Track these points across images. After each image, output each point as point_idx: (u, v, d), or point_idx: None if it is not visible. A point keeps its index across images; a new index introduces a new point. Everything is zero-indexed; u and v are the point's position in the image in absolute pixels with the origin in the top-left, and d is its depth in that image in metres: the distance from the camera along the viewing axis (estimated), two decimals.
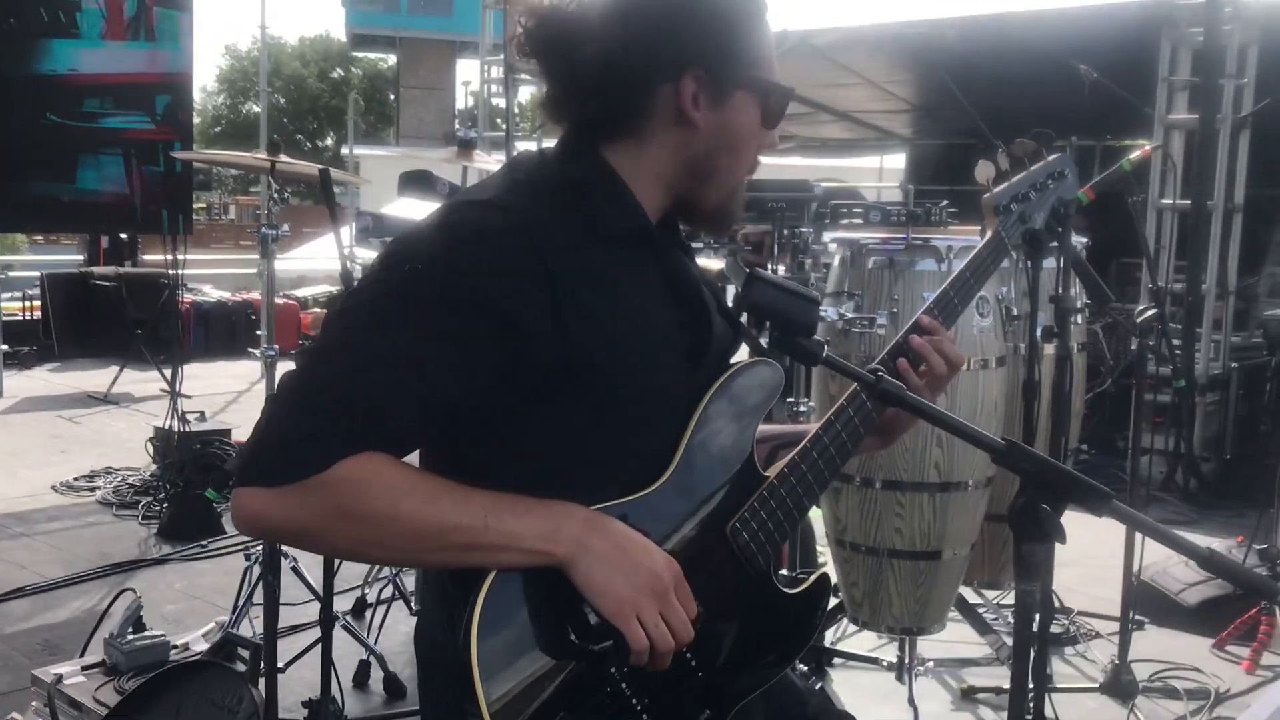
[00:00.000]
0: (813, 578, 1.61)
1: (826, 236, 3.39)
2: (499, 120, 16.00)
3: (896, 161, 14.55)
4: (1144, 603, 4.06)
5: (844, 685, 3.65)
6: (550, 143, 1.54)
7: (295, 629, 3.98)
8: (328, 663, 3.14)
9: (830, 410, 1.59)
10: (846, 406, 1.58)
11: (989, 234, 1.85)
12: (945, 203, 3.31)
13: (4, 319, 9.82)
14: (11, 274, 11.62)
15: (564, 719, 1.33)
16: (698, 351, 1.50)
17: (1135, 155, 3.43)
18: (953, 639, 3.82)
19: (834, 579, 3.61)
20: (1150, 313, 3.70)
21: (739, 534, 1.48)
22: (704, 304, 1.54)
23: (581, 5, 1.46)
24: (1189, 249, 6.95)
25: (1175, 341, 6.29)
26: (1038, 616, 3.62)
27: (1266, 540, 4.69)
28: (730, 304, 1.60)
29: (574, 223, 1.40)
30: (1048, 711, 3.13)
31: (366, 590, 4.26)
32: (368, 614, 4.16)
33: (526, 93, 11.08)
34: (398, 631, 4.06)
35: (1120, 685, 3.76)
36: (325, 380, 1.31)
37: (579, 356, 1.35)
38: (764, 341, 1.53)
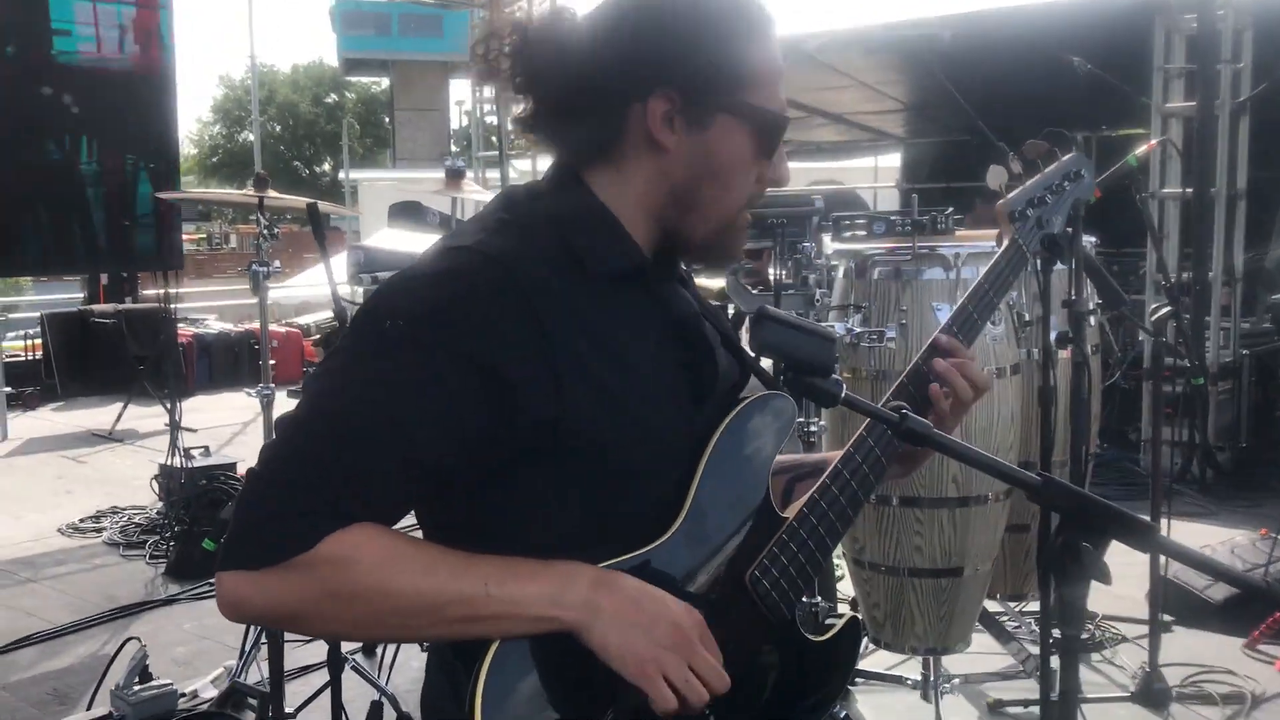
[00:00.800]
0: (842, 623, 1.52)
1: (829, 249, 3.31)
2: (494, 139, 15.99)
3: (891, 161, 14.50)
4: (1169, 601, 3.97)
5: (868, 706, 3.58)
6: (543, 168, 1.45)
7: (305, 670, 3.91)
8: (338, 706, 3.07)
9: (850, 441, 1.50)
10: (866, 436, 1.49)
11: (1005, 242, 1.77)
12: (951, 210, 3.24)
13: (6, 359, 9.79)
14: (13, 315, 11.60)
15: None
16: (702, 391, 1.42)
17: (1141, 150, 3.35)
18: (977, 650, 3.73)
19: (852, 597, 3.54)
20: (1164, 310, 3.62)
21: (759, 582, 1.40)
22: (706, 340, 1.45)
23: (551, 19, 1.38)
24: (1194, 237, 6.88)
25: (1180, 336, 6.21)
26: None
27: None
28: (734, 333, 1.51)
29: (565, 265, 1.31)
30: None
31: None
32: (378, 652, 4.09)
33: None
34: (410, 668, 3.98)
35: (1152, 693, 3.67)
36: (305, 451, 1.22)
37: (573, 411, 1.26)
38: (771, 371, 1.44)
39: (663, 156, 1.36)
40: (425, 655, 4.36)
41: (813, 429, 3.13)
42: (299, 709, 3.38)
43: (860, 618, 1.57)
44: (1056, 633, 3.36)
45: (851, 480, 1.47)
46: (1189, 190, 6.83)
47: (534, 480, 1.30)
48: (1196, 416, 6.73)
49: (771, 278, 3.11)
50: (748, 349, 1.49)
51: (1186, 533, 5.12)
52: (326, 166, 43.57)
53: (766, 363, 1.55)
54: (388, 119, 37.79)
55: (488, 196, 5.15)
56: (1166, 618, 3.95)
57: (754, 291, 3.44)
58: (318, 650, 3.67)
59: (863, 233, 3.27)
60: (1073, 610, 1.24)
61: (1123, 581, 4.29)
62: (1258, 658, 4.12)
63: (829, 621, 1.56)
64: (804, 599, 1.50)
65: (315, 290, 13.82)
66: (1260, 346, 7.51)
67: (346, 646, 3.49)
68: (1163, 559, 3.80)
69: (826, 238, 3.42)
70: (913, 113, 10.99)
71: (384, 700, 3.63)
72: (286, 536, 1.18)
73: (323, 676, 3.43)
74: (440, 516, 1.35)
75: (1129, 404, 7.00)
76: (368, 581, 1.20)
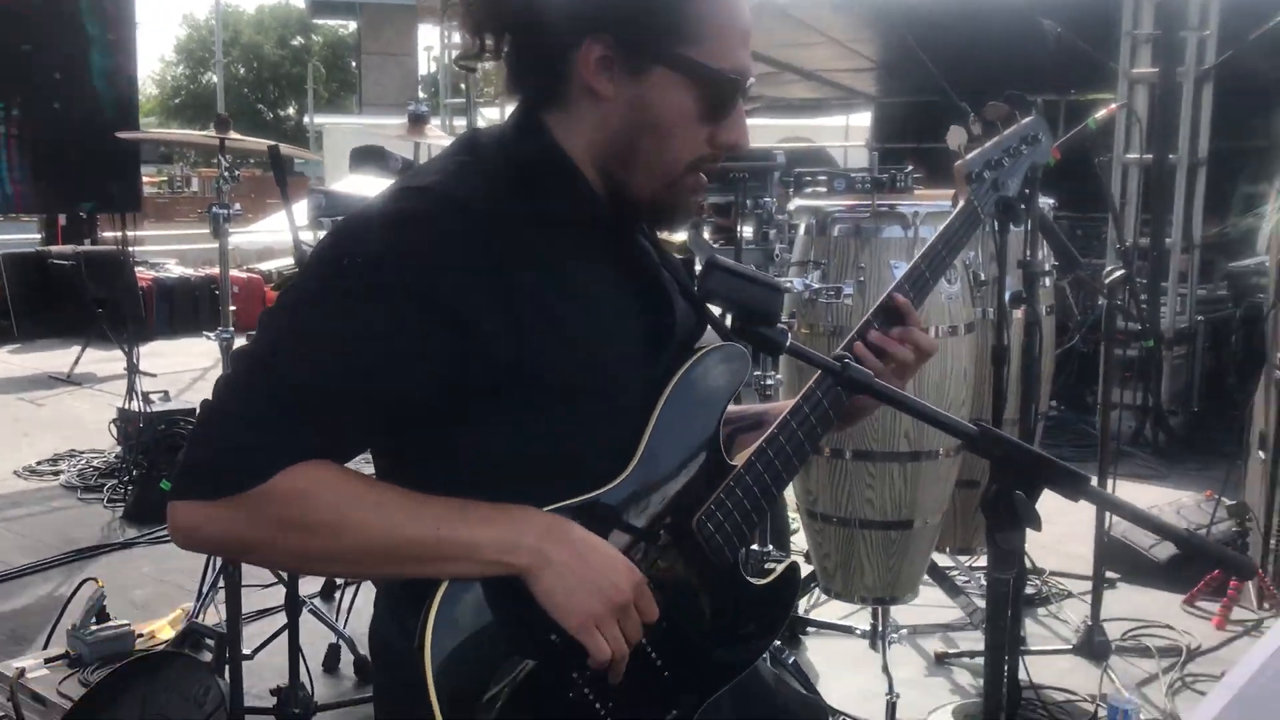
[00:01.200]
0: (782, 567, 1.56)
1: (791, 205, 3.33)
2: (463, 85, 15.83)
3: (862, 120, 14.47)
4: (1115, 559, 4.06)
5: (818, 654, 3.65)
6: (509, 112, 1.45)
7: (263, 614, 3.93)
8: (295, 648, 3.09)
9: (798, 394, 1.53)
10: (815, 389, 1.52)
11: (961, 203, 1.80)
12: (910, 168, 3.27)
13: None
14: None
15: None
16: (660, 339, 1.45)
17: (1101, 114, 3.39)
18: (925, 604, 3.81)
19: (806, 550, 3.60)
20: (1118, 274, 3.68)
21: (705, 526, 1.43)
22: (664, 289, 1.48)
23: None
24: (1153, 203, 6.95)
25: (1142, 299, 6.30)
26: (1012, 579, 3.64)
27: (1235, 495, 4.71)
28: (691, 285, 1.53)
29: (525, 209, 1.32)
30: (1021, 674, 3.14)
31: None
32: (336, 596, 4.12)
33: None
34: (368, 613, 4.00)
35: (1093, 645, 3.78)
36: (263, 385, 1.23)
37: (533, 353, 1.28)
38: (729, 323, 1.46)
39: (602, 104, 1.35)
40: None
41: (769, 382, 3.17)
42: (256, 651, 3.41)
43: (799, 563, 1.60)
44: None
45: (798, 431, 1.50)
46: (1150, 156, 6.89)
47: (491, 421, 1.32)
48: (1150, 380, 6.84)
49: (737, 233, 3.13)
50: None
51: (1136, 494, 5.24)
52: (291, 111, 42.95)
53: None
54: (354, 63, 37.23)
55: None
56: (1112, 575, 4.04)
57: (716, 246, 3.46)
58: (276, 594, 3.69)
59: (824, 189, 3.30)
60: (1006, 555, 1.28)
61: (1073, 540, 4.40)
62: (1196, 614, 4.24)
63: (770, 566, 1.61)
64: (747, 544, 1.54)
65: (278, 236, 13.65)
66: (1215, 313, 7.63)
67: (305, 590, 3.52)
68: (1110, 518, 3.90)
69: (790, 204, 3.44)
70: (884, 71, 10.97)
71: (341, 643, 3.67)
72: (242, 469, 1.19)
73: (281, 619, 3.46)
74: (395, 455, 1.37)
75: (1087, 367, 7.10)
76: (321, 518, 1.22)
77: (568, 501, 1.33)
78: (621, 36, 1.32)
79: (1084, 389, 7.24)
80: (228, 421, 1.23)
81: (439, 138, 4.41)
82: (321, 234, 3.36)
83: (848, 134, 15.81)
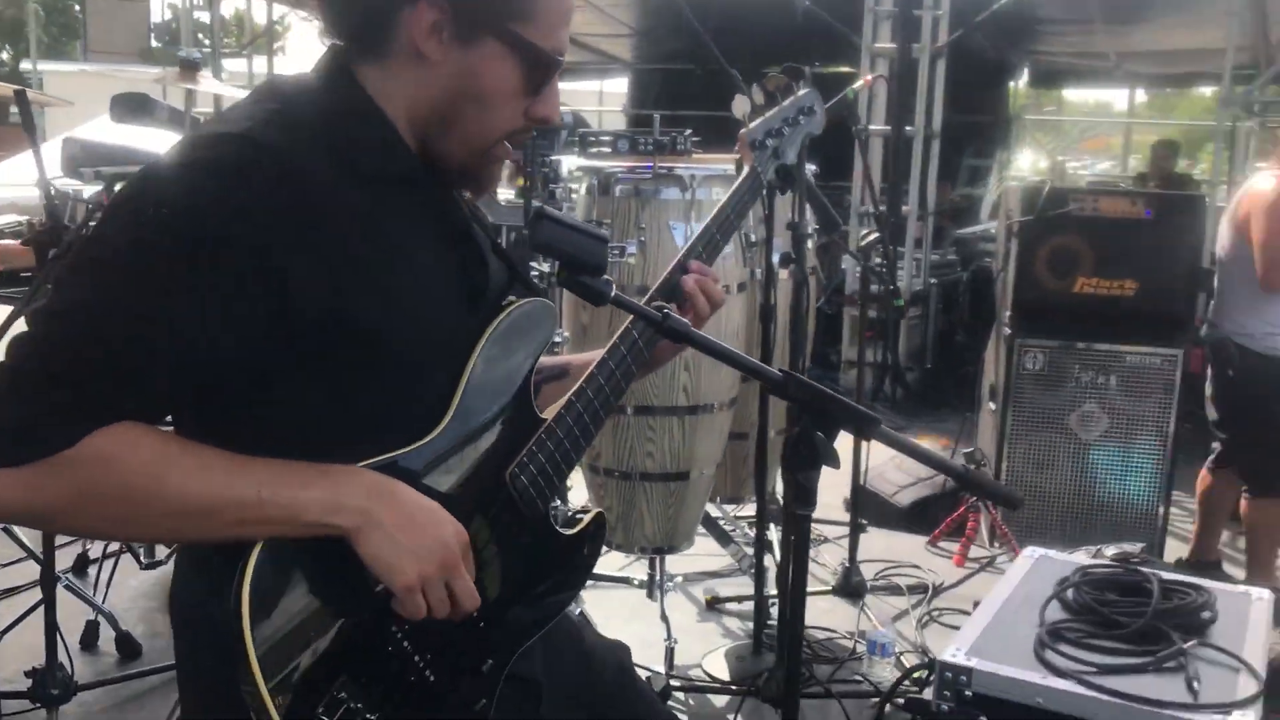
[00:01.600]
0: (589, 517, 1.62)
1: (573, 164, 3.37)
2: (201, 36, 14.96)
3: (618, 87, 14.65)
4: (862, 506, 4.36)
5: (597, 606, 3.74)
6: (260, 72, 1.42)
7: (12, 592, 3.68)
8: (52, 627, 2.91)
9: (604, 348, 1.58)
10: (619, 344, 1.57)
11: (746, 169, 1.89)
12: (689, 131, 3.37)
13: None
14: None
15: (345, 681, 1.28)
16: (475, 293, 1.46)
17: (859, 85, 3.59)
18: (697, 553, 3.98)
19: (585, 504, 3.68)
20: (872, 237, 3.92)
21: (518, 478, 1.46)
22: (478, 245, 1.49)
23: None
24: (891, 173, 7.40)
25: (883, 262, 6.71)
26: (773, 526, 3.84)
27: (970, 443, 5.13)
28: (499, 240, 1.55)
29: (339, 161, 1.29)
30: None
31: (88, 545, 3.98)
32: (91, 570, 3.90)
33: (231, 7, 10.39)
34: (127, 587, 3.82)
35: (850, 585, 4.06)
36: (65, 343, 1.16)
37: (349, 305, 1.26)
38: (540, 277, 1.49)
39: (427, 67, 1.35)
40: (142, 573, 4.18)
41: (557, 340, 3.21)
42: (6, 631, 3.19)
43: (605, 514, 1.66)
44: (770, 534, 3.64)
45: (605, 384, 1.55)
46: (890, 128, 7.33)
47: (306, 376, 1.29)
48: (889, 339, 7.32)
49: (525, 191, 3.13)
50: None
51: (880, 445, 5.59)
52: (5, 56, 39.40)
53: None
54: (77, 6, 34.53)
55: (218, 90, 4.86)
56: (862, 521, 4.34)
57: (503, 203, 3.46)
58: (29, 570, 3.47)
59: (608, 149, 3.36)
60: (805, 492, 1.38)
61: (825, 491, 4.69)
62: (939, 553, 4.62)
63: (577, 516, 1.66)
64: (558, 495, 1.58)
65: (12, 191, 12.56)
66: (946, 277, 8.25)
67: (58, 564, 3.31)
68: (865, 468, 4.18)
69: (573, 163, 3.48)
70: (641, 38, 11.15)
71: (100, 619, 3.48)
72: (47, 433, 1.13)
73: (32, 597, 3.25)
74: (207, 414, 1.31)
75: (831, 328, 7.51)
76: (135, 482, 1.17)
77: (383, 457, 1.32)
78: (458, 4, 1.32)
79: (829, 349, 7.67)
80: (27, 384, 1.15)
81: (209, 85, 4.18)
82: (79, 184, 3.15)
83: (602, 99, 15.97)
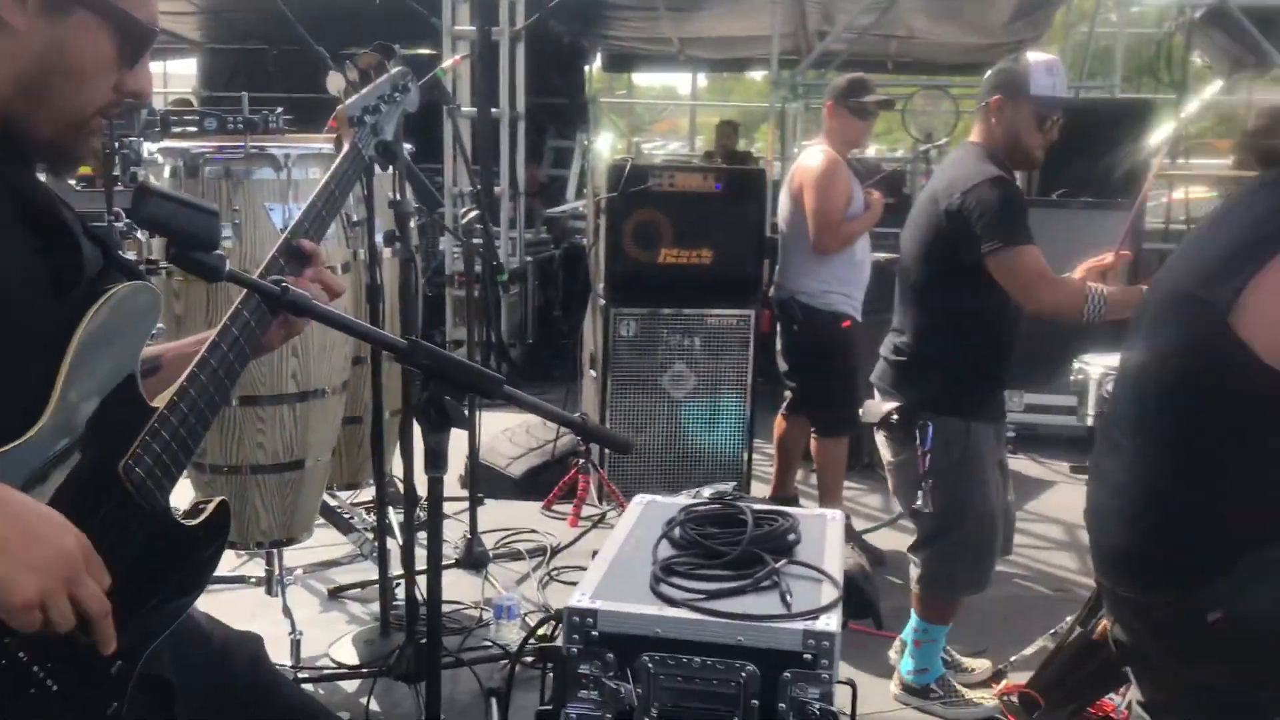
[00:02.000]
0: (213, 505, 1.57)
1: (155, 146, 3.18)
2: None
3: (184, 69, 13.80)
4: (479, 480, 4.46)
5: (213, 609, 3.54)
6: None
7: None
8: None
9: (211, 331, 1.53)
10: (230, 325, 1.53)
11: (346, 146, 1.89)
12: (281, 110, 3.27)
13: None
14: None
15: None
16: (66, 280, 1.37)
17: (448, 64, 3.65)
18: (316, 544, 3.91)
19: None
20: (473, 214, 4.00)
21: (133, 471, 1.39)
22: (68, 228, 1.40)
23: None
24: (480, 154, 7.53)
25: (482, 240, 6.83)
26: (392, 509, 3.84)
27: (574, 410, 5.36)
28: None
29: None
30: (417, 594, 3.36)
31: None
32: None
33: None
34: None
35: (473, 557, 4.15)
36: None
37: None
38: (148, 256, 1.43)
39: (12, 38, 1.28)
40: None
41: (153, 331, 3.02)
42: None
43: (229, 501, 1.62)
44: (391, 517, 3.64)
45: (218, 368, 1.50)
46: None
47: None
48: (490, 318, 7.47)
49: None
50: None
51: (492, 416, 5.68)
52: None
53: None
54: None
55: None
56: (479, 495, 4.44)
57: (79, 189, 3.19)
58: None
59: (194, 129, 3.19)
60: (438, 456, 1.43)
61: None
62: (554, 516, 4.82)
63: (199, 507, 1.61)
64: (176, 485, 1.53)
65: None
66: (541, 254, 8.53)
67: None
68: (478, 443, 4.27)
69: (155, 145, 3.27)
70: (208, 16, 10.56)
71: None
72: None
73: None
74: None
75: (432, 309, 7.55)
76: None
77: None
78: None
79: (431, 329, 7.71)
80: None
81: None
82: None
83: (166, 81, 14.98)
